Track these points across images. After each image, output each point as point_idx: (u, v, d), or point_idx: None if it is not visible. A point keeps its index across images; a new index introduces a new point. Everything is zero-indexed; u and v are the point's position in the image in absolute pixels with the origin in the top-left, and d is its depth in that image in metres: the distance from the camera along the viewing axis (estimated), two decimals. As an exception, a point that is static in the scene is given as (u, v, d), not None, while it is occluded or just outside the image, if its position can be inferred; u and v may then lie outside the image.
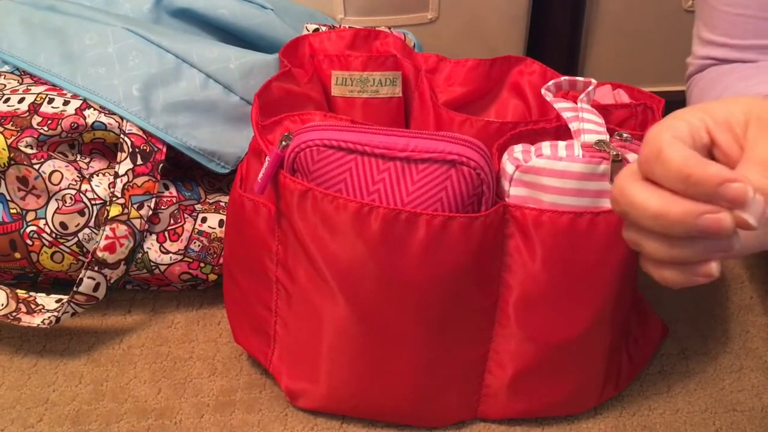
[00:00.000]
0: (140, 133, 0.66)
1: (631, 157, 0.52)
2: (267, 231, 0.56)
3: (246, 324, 0.62)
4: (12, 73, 0.71)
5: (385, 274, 0.52)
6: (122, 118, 0.66)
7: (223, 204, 0.70)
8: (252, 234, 0.57)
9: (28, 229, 0.65)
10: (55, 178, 0.65)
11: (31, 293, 0.66)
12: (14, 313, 0.64)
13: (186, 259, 0.68)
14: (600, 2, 0.87)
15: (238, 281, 0.61)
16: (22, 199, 0.66)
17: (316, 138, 0.51)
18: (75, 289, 0.64)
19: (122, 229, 0.65)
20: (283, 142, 0.52)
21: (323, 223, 0.52)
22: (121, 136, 0.66)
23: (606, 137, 0.52)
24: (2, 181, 0.65)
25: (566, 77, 0.59)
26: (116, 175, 0.65)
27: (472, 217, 0.51)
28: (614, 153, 0.51)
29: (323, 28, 0.72)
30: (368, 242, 0.51)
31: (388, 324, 0.54)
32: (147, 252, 0.67)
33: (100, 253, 0.64)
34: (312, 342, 0.57)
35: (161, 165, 0.67)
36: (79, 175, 0.66)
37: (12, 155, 0.64)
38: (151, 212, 0.66)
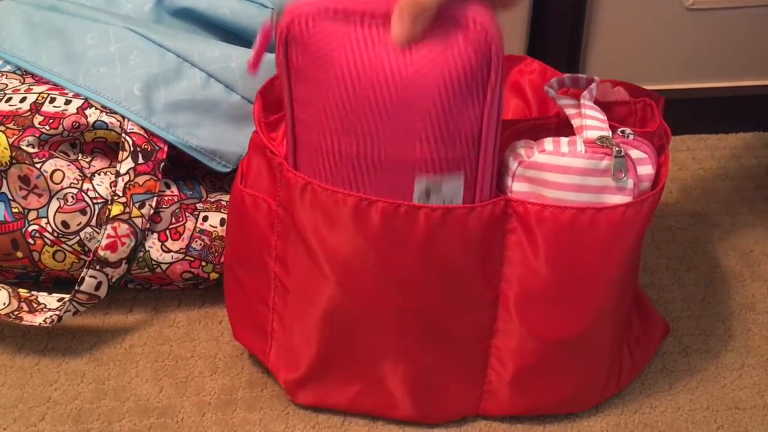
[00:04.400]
0: (141, 132, 0.66)
1: (634, 153, 0.53)
2: (266, 226, 0.56)
3: (245, 321, 0.62)
4: (14, 72, 0.71)
5: (385, 266, 0.52)
6: (124, 117, 0.66)
7: (224, 203, 0.70)
8: (251, 229, 0.57)
9: (30, 228, 0.65)
10: (57, 177, 0.65)
11: (33, 292, 0.66)
12: (16, 312, 0.64)
13: (187, 258, 0.68)
14: (601, 1, 0.88)
15: (238, 277, 0.61)
16: (24, 198, 0.66)
17: (312, 9, 0.48)
18: (77, 288, 0.64)
19: (124, 228, 0.65)
20: (275, 17, 0.49)
21: (323, 217, 0.52)
22: (123, 135, 0.66)
23: (608, 133, 0.52)
24: (4, 181, 0.65)
25: (568, 74, 0.59)
26: (118, 174, 0.65)
27: (470, 208, 0.51)
28: (617, 149, 0.51)
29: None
30: (368, 235, 0.51)
31: (387, 318, 0.54)
32: (148, 251, 0.67)
33: (101, 252, 0.64)
34: (309, 338, 0.57)
35: (162, 164, 0.67)
36: (81, 174, 0.66)
37: (14, 154, 0.64)
38: (152, 211, 0.66)
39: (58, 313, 0.64)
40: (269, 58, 0.72)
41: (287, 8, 0.48)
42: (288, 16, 0.48)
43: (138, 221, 0.65)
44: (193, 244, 0.68)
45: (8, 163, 0.64)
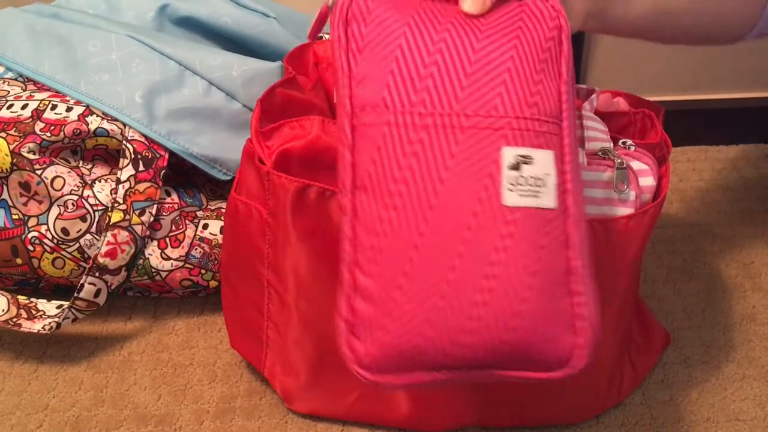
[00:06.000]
0: (142, 139, 0.67)
1: (635, 165, 0.53)
2: (258, 233, 0.56)
3: (241, 328, 0.62)
4: (16, 79, 0.71)
5: None
6: (125, 125, 0.67)
7: (224, 211, 0.70)
8: (245, 236, 0.57)
9: (30, 235, 0.65)
10: (57, 183, 0.65)
11: (32, 299, 0.66)
12: (15, 319, 0.64)
13: (187, 265, 0.68)
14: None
15: (234, 285, 0.61)
16: (24, 204, 0.66)
17: None
18: (76, 294, 0.64)
19: (124, 235, 0.65)
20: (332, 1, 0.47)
21: (320, 219, 0.52)
22: (124, 142, 0.66)
23: (610, 145, 0.52)
24: (4, 187, 0.65)
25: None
26: (118, 181, 0.65)
27: None
28: (618, 161, 0.51)
29: (326, 36, 0.72)
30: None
31: None
32: (148, 258, 0.67)
33: (101, 259, 0.64)
34: (303, 345, 0.57)
35: (163, 171, 0.67)
36: (81, 181, 0.66)
37: (14, 161, 0.64)
38: (152, 218, 0.66)
39: (57, 320, 0.64)
40: (266, 68, 0.73)
41: None
42: None
43: (138, 228, 0.65)
44: (193, 252, 0.68)
45: (9, 170, 0.64)
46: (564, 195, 0.44)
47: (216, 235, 0.68)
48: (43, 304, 0.66)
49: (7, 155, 0.64)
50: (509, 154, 0.43)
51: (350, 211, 0.43)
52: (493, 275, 0.41)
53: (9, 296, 0.65)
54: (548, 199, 0.43)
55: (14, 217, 0.66)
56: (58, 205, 0.65)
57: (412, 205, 0.42)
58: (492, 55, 0.44)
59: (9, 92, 0.69)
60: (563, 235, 0.43)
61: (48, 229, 0.65)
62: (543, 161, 0.44)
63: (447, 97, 0.44)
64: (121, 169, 0.66)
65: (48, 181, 0.65)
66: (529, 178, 0.43)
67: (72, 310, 0.64)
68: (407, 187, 0.43)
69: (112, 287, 0.65)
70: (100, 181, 0.67)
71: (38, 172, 0.65)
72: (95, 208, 0.66)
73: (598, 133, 0.53)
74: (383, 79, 0.44)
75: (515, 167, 0.43)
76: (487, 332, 0.41)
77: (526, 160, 0.44)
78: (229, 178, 0.70)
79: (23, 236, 0.65)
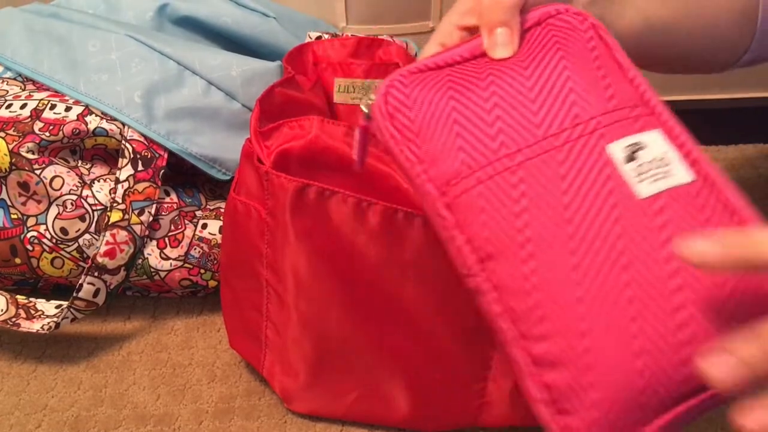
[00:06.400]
0: (141, 139, 0.67)
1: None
2: (257, 233, 0.56)
3: (240, 328, 0.62)
4: (15, 79, 0.71)
5: (382, 270, 0.52)
6: (124, 125, 0.67)
7: (223, 210, 0.70)
8: (243, 236, 0.57)
9: (29, 235, 0.65)
10: (56, 183, 0.65)
11: (31, 299, 0.66)
12: (14, 319, 0.64)
13: (186, 265, 0.68)
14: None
15: (233, 285, 0.61)
16: (23, 204, 0.66)
17: (402, 72, 0.43)
18: (75, 294, 0.64)
19: (123, 234, 0.65)
20: (366, 110, 0.45)
21: (319, 218, 0.52)
22: (123, 142, 0.66)
23: None
24: (3, 187, 0.65)
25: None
26: (117, 181, 0.65)
27: None
28: None
29: (326, 36, 0.72)
30: (366, 237, 0.51)
31: (382, 324, 0.54)
32: (147, 258, 0.67)
33: (100, 259, 0.64)
34: (303, 344, 0.57)
35: (162, 171, 0.67)
36: (80, 181, 0.66)
37: (13, 160, 0.64)
38: (151, 218, 0.66)
39: (56, 319, 0.64)
40: (265, 68, 0.73)
41: (377, 90, 0.43)
42: (381, 89, 0.43)
43: (137, 228, 0.65)
44: (192, 252, 0.68)
45: (8, 170, 0.64)
46: (695, 165, 0.40)
47: (215, 234, 0.68)
48: (42, 303, 0.66)
49: (5, 155, 0.64)
50: (617, 148, 0.40)
51: (489, 288, 0.40)
52: (675, 272, 0.37)
53: (8, 296, 0.65)
54: (682, 174, 0.40)
55: (13, 216, 0.66)
56: (57, 205, 0.65)
57: (549, 244, 0.38)
58: (545, 74, 0.42)
59: (8, 92, 0.69)
60: (720, 202, 0.39)
61: (47, 229, 0.65)
62: (654, 141, 0.41)
63: (524, 129, 0.41)
64: (120, 168, 0.66)
65: (47, 181, 0.65)
66: (651, 162, 0.40)
67: (71, 309, 0.64)
68: (533, 229, 0.39)
69: (111, 287, 0.65)
70: (99, 181, 0.67)
71: (37, 172, 0.65)
72: (94, 207, 0.65)
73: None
74: (453, 146, 0.41)
75: (630, 158, 0.40)
76: (705, 337, 0.36)
77: (638, 146, 0.41)
78: (228, 177, 0.70)
79: (22, 236, 0.65)
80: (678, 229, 0.38)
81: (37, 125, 0.65)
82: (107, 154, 0.69)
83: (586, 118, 0.41)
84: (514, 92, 0.42)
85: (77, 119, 0.66)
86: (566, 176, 0.39)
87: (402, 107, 0.42)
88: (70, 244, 0.66)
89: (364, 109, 0.44)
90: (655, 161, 0.40)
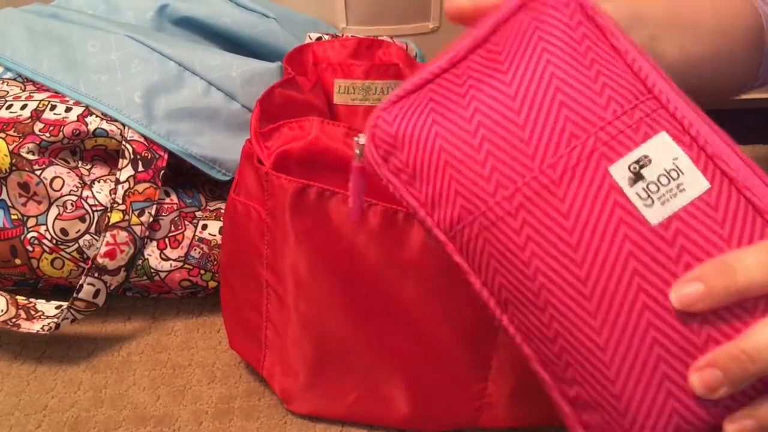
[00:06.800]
0: (142, 139, 0.67)
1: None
2: (257, 234, 0.56)
3: (239, 329, 0.62)
4: (14, 80, 0.71)
5: (382, 270, 0.52)
6: (124, 125, 0.67)
7: (223, 211, 0.70)
8: (243, 237, 0.57)
9: (29, 235, 0.65)
10: (57, 184, 0.65)
11: (31, 299, 0.66)
12: (14, 319, 0.64)
13: (186, 266, 0.68)
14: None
15: (233, 286, 0.61)
16: (23, 205, 0.66)
17: (385, 106, 0.40)
18: (75, 295, 0.64)
19: (123, 235, 0.65)
20: (357, 151, 0.42)
21: (319, 219, 0.52)
22: (123, 142, 0.66)
23: None
24: (3, 187, 0.65)
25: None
26: (117, 182, 0.65)
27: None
28: None
29: (326, 37, 0.72)
30: (366, 238, 0.51)
31: (382, 324, 0.54)
32: (147, 259, 0.67)
33: (100, 260, 0.64)
34: (303, 345, 0.57)
35: (162, 172, 0.67)
36: (81, 182, 0.66)
37: (14, 161, 0.64)
38: (151, 219, 0.66)
39: (56, 320, 0.64)
40: (265, 68, 0.73)
41: (365, 131, 0.41)
42: (368, 131, 0.40)
43: (137, 229, 0.65)
44: (192, 252, 0.68)
45: (8, 170, 0.64)
46: (709, 164, 0.36)
47: (215, 235, 0.68)
48: (42, 304, 0.66)
49: (6, 156, 0.64)
50: (618, 170, 0.36)
51: (515, 332, 0.39)
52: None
53: (8, 296, 0.65)
54: (695, 183, 0.36)
55: (13, 217, 0.66)
56: (57, 206, 0.65)
57: (563, 290, 0.37)
58: (532, 85, 0.38)
59: (8, 92, 0.69)
60: (740, 206, 0.36)
61: (47, 230, 0.65)
62: (660, 149, 0.36)
63: (518, 162, 0.37)
64: (120, 169, 0.66)
65: (47, 182, 0.65)
66: (659, 178, 0.36)
67: (71, 310, 0.64)
68: (545, 276, 0.37)
69: (111, 288, 0.65)
70: (99, 182, 0.67)
71: (37, 173, 0.65)
72: (94, 208, 0.66)
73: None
74: (450, 190, 0.39)
75: (636, 178, 0.36)
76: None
77: (643, 162, 0.37)
78: (228, 178, 0.70)
79: (22, 236, 0.65)
80: (694, 258, 0.35)
81: (38, 126, 0.65)
82: (107, 155, 0.69)
83: (582, 138, 0.37)
84: (499, 116, 0.38)
85: (77, 120, 0.66)
86: (569, 214, 0.36)
87: (392, 149, 0.40)
88: (70, 244, 0.66)
89: (356, 150, 0.42)
90: (664, 176, 0.36)
